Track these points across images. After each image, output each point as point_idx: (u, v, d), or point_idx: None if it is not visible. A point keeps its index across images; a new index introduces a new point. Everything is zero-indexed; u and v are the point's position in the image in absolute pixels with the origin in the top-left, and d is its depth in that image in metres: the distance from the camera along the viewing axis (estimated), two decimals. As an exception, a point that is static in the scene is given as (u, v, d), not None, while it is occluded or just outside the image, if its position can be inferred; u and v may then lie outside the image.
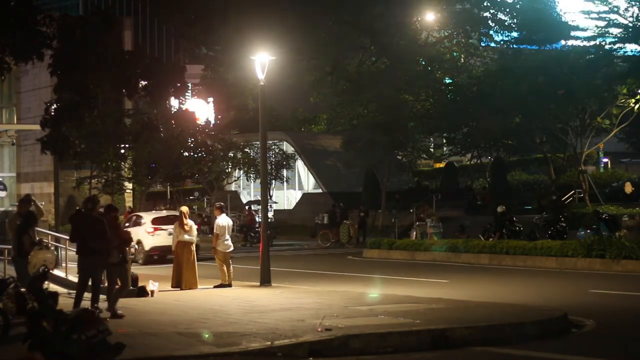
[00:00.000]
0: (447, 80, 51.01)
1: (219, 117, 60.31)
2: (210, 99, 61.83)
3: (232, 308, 15.26)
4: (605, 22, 40.42)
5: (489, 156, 50.58)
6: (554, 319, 14.28)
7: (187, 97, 54.69)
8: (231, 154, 53.67)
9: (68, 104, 21.59)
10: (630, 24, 39.55)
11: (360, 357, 12.22)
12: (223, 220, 20.72)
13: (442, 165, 58.99)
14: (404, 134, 46.40)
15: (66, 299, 17.16)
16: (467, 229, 36.11)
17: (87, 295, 18.68)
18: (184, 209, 20.94)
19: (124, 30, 56.98)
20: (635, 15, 39.41)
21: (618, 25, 40.23)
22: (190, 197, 59.53)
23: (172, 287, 20.15)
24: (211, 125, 53.85)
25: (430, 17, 50.22)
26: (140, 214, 35.89)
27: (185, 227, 20.28)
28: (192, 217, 27.55)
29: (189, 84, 59.89)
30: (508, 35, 49.75)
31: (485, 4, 50.55)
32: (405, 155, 49.87)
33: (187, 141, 49.75)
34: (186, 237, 20.31)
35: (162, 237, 30.87)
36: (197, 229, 22.51)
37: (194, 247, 20.46)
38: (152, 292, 18.87)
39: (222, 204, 22.34)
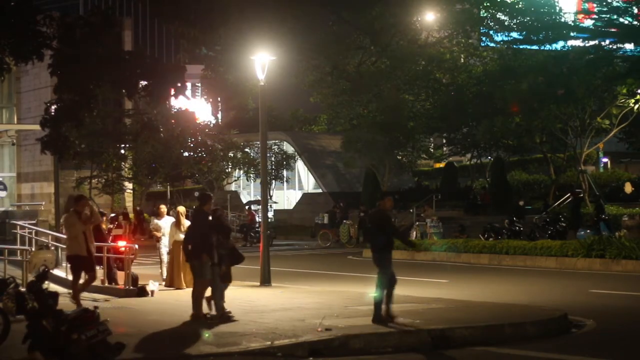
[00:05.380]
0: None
1: (218, 115, 60.37)
2: (218, 98, 61.89)
3: (232, 308, 15.23)
4: (605, 22, 40.40)
5: (489, 156, 50.62)
6: (554, 319, 14.28)
7: (196, 95, 54.87)
8: (231, 154, 53.68)
9: (68, 104, 21.57)
10: (630, 24, 39.54)
11: (360, 357, 12.22)
12: None
13: (442, 165, 59.02)
14: (404, 134, 46.42)
15: (66, 299, 17.16)
16: (467, 229, 36.13)
17: (88, 295, 18.70)
18: (181, 209, 20.96)
19: (124, 30, 57.01)
20: (635, 15, 39.39)
21: (618, 25, 40.22)
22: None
23: (165, 286, 20.24)
24: (211, 125, 53.86)
25: (430, 17, 50.22)
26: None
27: (182, 227, 20.31)
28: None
29: (197, 85, 60.13)
30: (508, 35, 49.73)
31: (485, 4, 50.51)
32: (405, 155, 49.90)
33: (187, 141, 49.80)
34: (182, 236, 20.32)
35: None
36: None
37: None
38: (152, 292, 18.88)
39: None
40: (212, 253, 14.83)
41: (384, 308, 14.13)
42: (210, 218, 15.42)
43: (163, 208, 21.42)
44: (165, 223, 21.14)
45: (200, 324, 14.17)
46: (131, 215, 48.23)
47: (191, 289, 19.66)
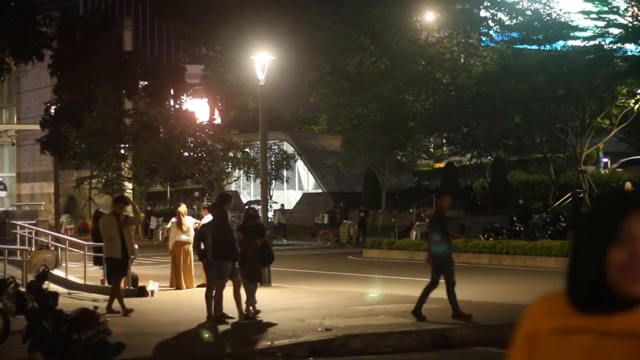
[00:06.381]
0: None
1: (215, 117, 60.41)
2: (205, 100, 61.95)
3: (232, 308, 15.23)
4: (605, 22, 40.45)
5: (489, 156, 50.62)
6: (554, 319, 14.25)
7: (189, 97, 54.86)
8: (231, 154, 53.69)
9: (68, 104, 21.55)
10: (630, 24, 39.59)
11: (360, 357, 12.21)
12: (204, 221, 20.66)
13: (442, 165, 59.01)
14: (404, 134, 46.44)
15: (66, 299, 17.17)
16: (467, 229, 36.12)
17: (87, 295, 18.70)
18: (182, 208, 20.90)
19: (124, 30, 57.02)
20: (635, 15, 39.44)
21: (618, 25, 40.26)
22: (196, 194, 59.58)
23: (169, 286, 20.21)
24: (215, 123, 53.86)
25: (430, 17, 50.26)
26: None
27: (183, 227, 20.27)
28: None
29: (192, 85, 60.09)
30: (508, 35, 49.77)
31: (485, 3, 50.57)
32: (405, 155, 49.92)
33: (187, 141, 49.83)
34: (183, 237, 20.30)
35: None
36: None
37: (190, 247, 20.41)
38: (152, 292, 18.87)
39: (209, 204, 22.28)
40: (234, 254, 14.75)
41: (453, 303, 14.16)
42: (244, 218, 15.49)
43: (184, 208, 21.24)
44: (188, 223, 21.00)
45: (199, 324, 14.17)
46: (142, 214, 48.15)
47: (187, 289, 19.91)
